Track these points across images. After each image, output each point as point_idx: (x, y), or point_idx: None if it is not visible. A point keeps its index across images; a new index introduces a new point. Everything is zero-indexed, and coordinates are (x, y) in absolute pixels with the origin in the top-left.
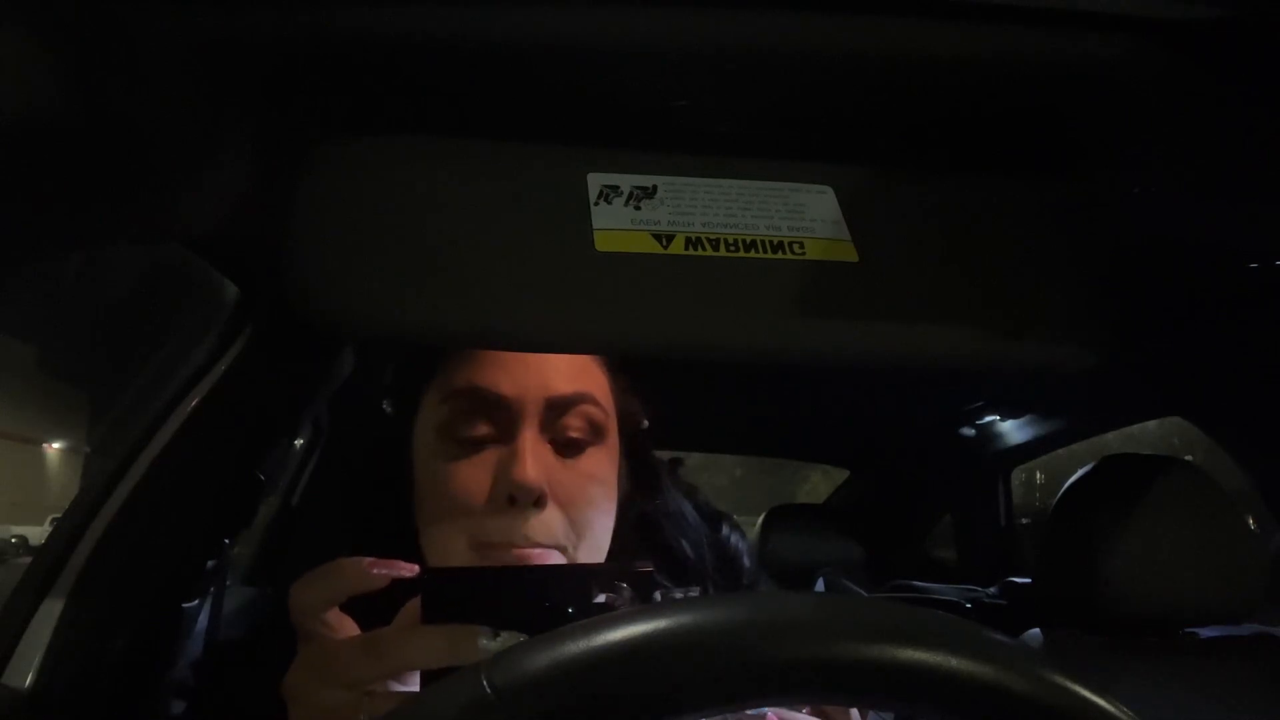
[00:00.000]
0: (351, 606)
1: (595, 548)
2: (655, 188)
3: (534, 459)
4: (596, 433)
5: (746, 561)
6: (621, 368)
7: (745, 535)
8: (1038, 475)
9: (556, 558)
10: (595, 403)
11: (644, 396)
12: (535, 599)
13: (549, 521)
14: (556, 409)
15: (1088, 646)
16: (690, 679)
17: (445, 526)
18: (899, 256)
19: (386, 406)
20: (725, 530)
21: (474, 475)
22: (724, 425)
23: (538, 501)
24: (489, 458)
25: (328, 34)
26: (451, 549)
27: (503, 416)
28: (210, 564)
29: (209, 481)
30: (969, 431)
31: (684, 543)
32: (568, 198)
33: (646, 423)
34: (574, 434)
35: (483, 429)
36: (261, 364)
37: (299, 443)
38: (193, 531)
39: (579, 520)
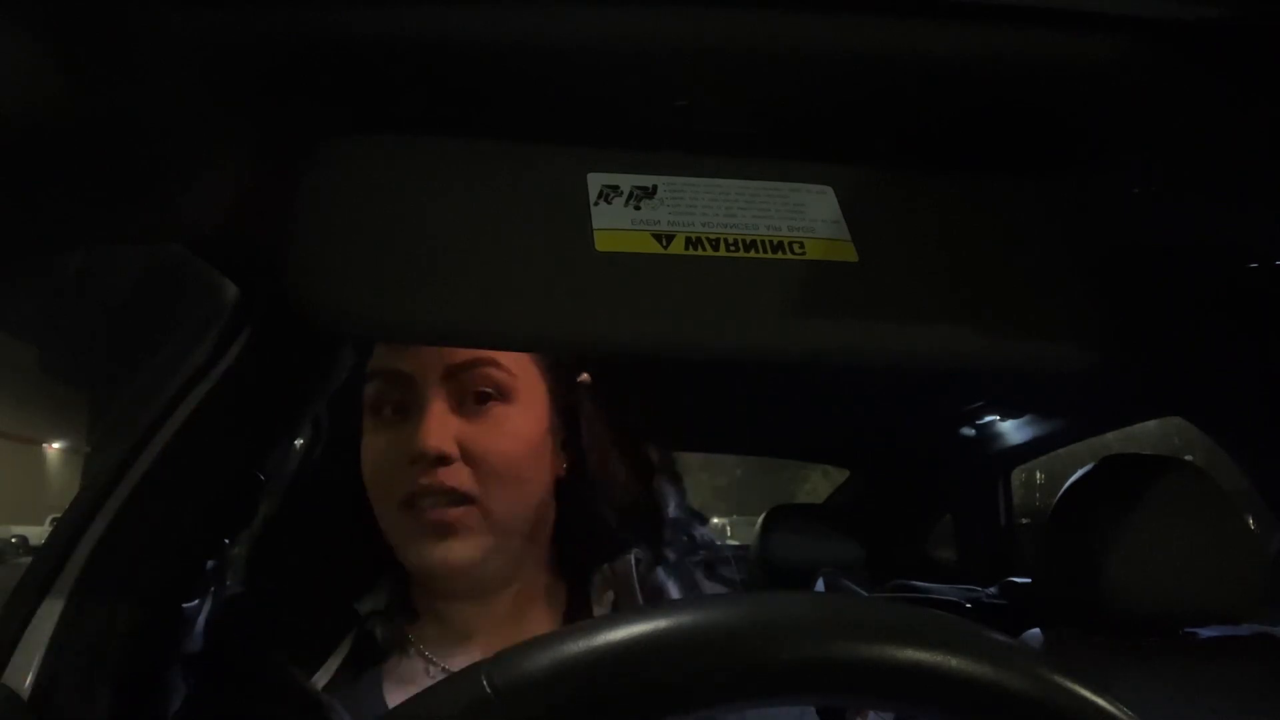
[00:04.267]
0: None
1: (512, 499)
2: (655, 188)
3: (436, 424)
4: (502, 393)
5: (673, 513)
6: None
7: (681, 485)
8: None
9: (470, 513)
10: (496, 365)
11: (639, 394)
12: None
13: (455, 473)
14: (455, 375)
15: (1088, 646)
16: (690, 678)
17: (378, 491)
18: (899, 256)
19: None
20: (657, 483)
21: (389, 443)
22: (724, 425)
23: (442, 459)
24: (402, 427)
25: (328, 34)
26: (386, 510)
27: (409, 391)
28: (210, 564)
29: (209, 481)
30: (969, 431)
31: (605, 507)
32: (568, 198)
33: (586, 376)
34: (478, 396)
35: (397, 403)
36: (261, 364)
37: (299, 443)
38: (193, 531)
39: (488, 473)
